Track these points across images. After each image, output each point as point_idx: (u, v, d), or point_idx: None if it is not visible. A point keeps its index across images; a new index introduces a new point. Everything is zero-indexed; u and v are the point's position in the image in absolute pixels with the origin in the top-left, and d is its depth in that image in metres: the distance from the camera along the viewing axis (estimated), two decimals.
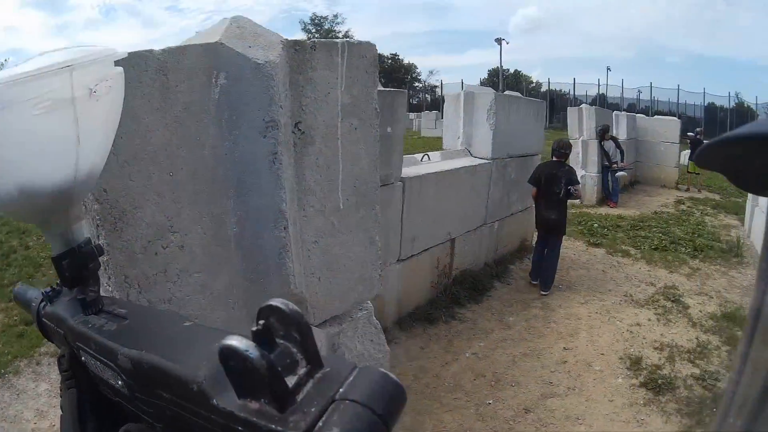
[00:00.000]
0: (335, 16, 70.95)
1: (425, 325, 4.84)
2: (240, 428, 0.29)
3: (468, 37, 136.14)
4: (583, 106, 11.41)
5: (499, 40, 47.51)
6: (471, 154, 5.90)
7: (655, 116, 17.67)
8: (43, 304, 0.57)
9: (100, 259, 0.56)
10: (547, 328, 4.99)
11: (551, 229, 5.78)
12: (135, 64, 1.22)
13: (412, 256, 4.71)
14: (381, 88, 4.05)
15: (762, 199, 7.76)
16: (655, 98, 41.53)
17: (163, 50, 1.26)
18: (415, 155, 5.44)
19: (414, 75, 67.48)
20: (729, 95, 40.94)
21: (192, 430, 0.34)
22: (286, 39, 1.44)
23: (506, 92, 6.82)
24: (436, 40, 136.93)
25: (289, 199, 1.41)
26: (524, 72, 66.00)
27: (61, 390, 0.52)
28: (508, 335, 4.81)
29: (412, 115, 35.72)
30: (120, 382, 0.41)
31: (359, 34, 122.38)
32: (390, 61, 66.10)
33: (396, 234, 4.40)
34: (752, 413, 0.27)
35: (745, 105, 41.90)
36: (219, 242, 1.40)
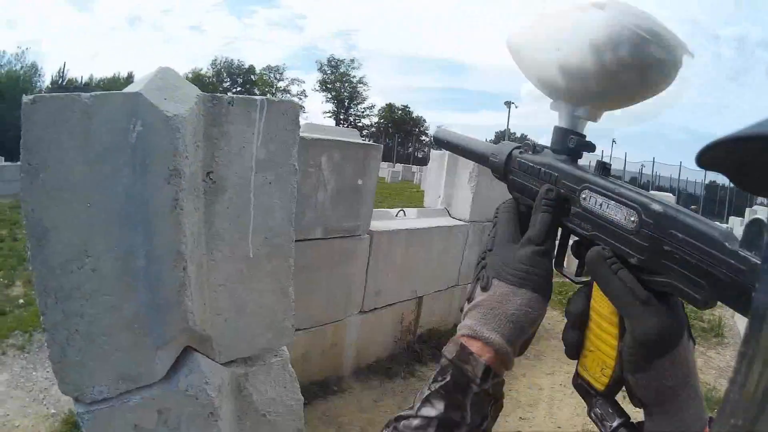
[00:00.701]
0: (352, 60, 71.32)
1: (383, 378, 4.77)
2: (736, 264, 0.45)
3: (480, 97, 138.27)
4: None
5: (508, 103, 48.25)
6: (450, 215, 5.95)
7: (651, 191, 17.78)
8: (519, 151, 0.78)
9: None
10: (507, 396, 4.77)
11: None
12: (64, 106, 1.34)
13: (375, 309, 4.72)
14: (355, 140, 4.19)
15: None
16: (657, 173, 41.95)
17: (90, 95, 1.38)
18: (390, 210, 5.52)
19: (421, 128, 68.22)
20: None
21: (681, 263, 0.51)
22: (204, 94, 1.55)
23: None
24: (447, 97, 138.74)
25: (192, 243, 1.49)
26: (531, 137, 66.93)
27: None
28: None
29: (414, 168, 36.64)
30: (633, 218, 0.56)
31: (372, 82, 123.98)
32: (400, 112, 67.02)
33: (360, 286, 4.43)
34: (754, 413, 0.27)
35: None
36: (128, 273, 1.48)
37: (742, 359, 0.28)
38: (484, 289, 0.67)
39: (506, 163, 0.79)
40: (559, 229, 0.70)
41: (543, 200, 0.67)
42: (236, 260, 1.68)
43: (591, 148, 0.70)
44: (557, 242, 0.72)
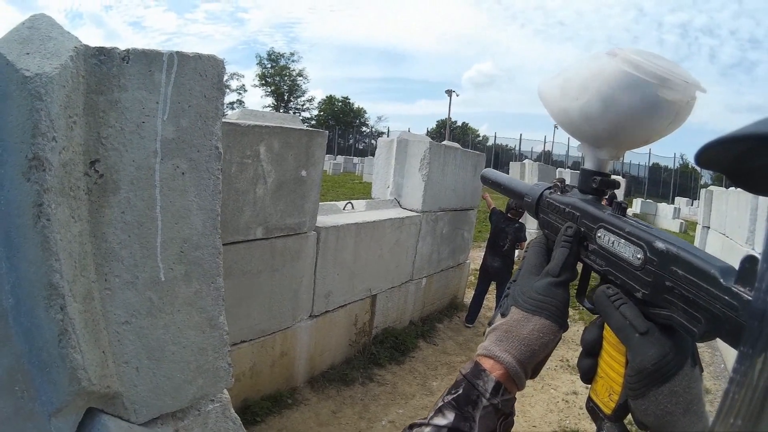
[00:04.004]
0: (292, 53, 70.54)
1: (340, 386, 4.42)
2: (729, 300, 0.45)
3: (421, 86, 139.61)
4: (526, 161, 11.48)
5: (449, 92, 48.44)
6: (400, 205, 5.62)
7: None
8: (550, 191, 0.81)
9: None
10: None
11: (492, 275, 6.33)
12: None
13: (326, 312, 4.33)
14: (297, 126, 3.74)
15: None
16: None
17: None
18: (338, 203, 5.09)
19: (362, 120, 68.32)
20: (674, 156, 42.86)
21: (680, 298, 0.52)
22: (86, 45, 1.08)
23: (444, 142, 6.61)
24: (388, 87, 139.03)
25: (71, 268, 1.02)
26: (472, 125, 67.99)
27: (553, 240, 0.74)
28: (430, 402, 4.43)
29: (356, 160, 36.55)
30: (639, 256, 0.58)
31: (313, 74, 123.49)
32: (341, 103, 66.82)
33: (308, 288, 4.03)
34: (755, 413, 0.27)
35: (689, 167, 43.94)
36: None
37: (742, 359, 0.29)
38: (503, 315, 0.70)
39: (537, 203, 0.82)
40: (581, 265, 0.72)
41: (563, 236, 0.71)
42: (142, 287, 1.22)
43: (615, 185, 0.74)
44: (578, 277, 0.74)
